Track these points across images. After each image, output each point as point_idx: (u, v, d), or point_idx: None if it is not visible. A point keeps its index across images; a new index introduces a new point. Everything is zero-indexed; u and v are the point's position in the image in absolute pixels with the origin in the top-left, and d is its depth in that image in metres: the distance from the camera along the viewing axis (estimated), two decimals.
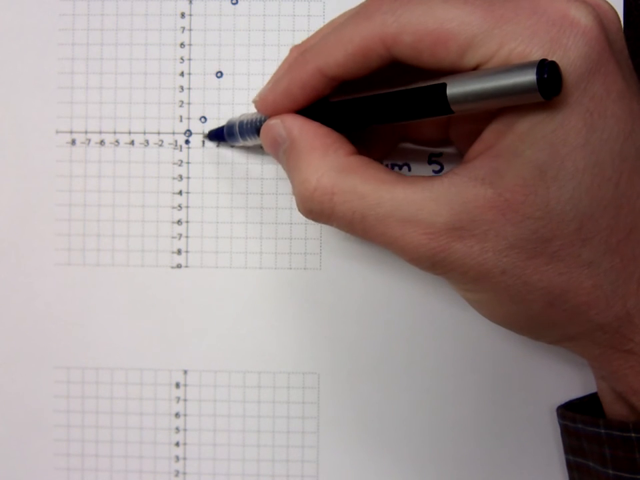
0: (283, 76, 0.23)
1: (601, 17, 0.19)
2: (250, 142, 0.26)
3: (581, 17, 0.19)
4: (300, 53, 0.23)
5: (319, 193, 0.21)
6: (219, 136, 0.28)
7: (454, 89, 0.19)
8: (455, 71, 0.20)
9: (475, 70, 0.19)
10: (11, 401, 0.29)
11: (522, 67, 0.18)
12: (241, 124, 0.26)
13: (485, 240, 0.20)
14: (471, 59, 0.19)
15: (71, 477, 0.29)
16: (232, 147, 0.29)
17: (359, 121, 0.23)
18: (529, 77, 0.17)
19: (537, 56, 0.18)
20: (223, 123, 0.28)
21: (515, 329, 0.23)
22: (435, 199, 0.20)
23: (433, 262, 0.20)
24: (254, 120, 0.25)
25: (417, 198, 0.20)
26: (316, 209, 0.22)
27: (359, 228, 0.21)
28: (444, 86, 0.19)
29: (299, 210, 0.23)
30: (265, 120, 0.24)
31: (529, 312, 0.21)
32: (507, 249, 0.20)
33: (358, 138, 0.24)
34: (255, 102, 0.24)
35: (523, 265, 0.20)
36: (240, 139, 0.27)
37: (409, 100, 0.20)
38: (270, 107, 0.24)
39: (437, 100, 0.19)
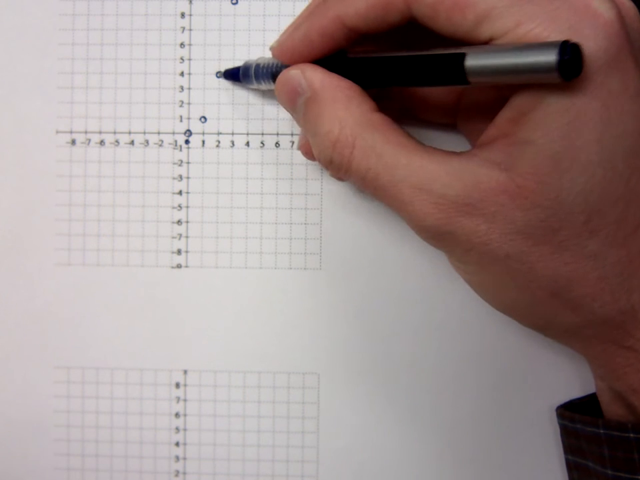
0: (302, 22, 0.23)
1: (623, 14, 0.19)
2: (264, 86, 0.26)
3: (604, 10, 0.18)
4: (322, 0, 0.22)
5: (340, 145, 0.21)
6: (234, 75, 0.28)
7: (472, 60, 0.19)
8: (469, 41, 0.19)
9: (493, 44, 0.19)
10: (10, 401, 0.29)
11: (543, 46, 0.17)
12: (257, 67, 0.26)
13: (493, 221, 0.20)
14: (486, 31, 0.19)
15: (71, 476, 0.29)
16: (247, 89, 0.29)
17: (374, 79, 0.22)
18: (550, 57, 0.17)
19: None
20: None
21: (516, 317, 0.23)
22: (449, 172, 0.20)
23: (438, 233, 0.21)
24: (270, 65, 0.25)
25: (432, 168, 0.20)
26: (336, 160, 0.22)
27: (370, 186, 0.21)
28: (462, 56, 0.19)
29: (319, 160, 0.23)
30: (280, 66, 0.24)
31: (532, 299, 0.21)
32: (513, 233, 0.20)
33: None
34: (273, 48, 0.24)
35: (528, 251, 0.20)
36: (254, 81, 0.26)
37: (426, 65, 0.20)
38: (287, 53, 0.23)
39: (454, 69, 0.19)
